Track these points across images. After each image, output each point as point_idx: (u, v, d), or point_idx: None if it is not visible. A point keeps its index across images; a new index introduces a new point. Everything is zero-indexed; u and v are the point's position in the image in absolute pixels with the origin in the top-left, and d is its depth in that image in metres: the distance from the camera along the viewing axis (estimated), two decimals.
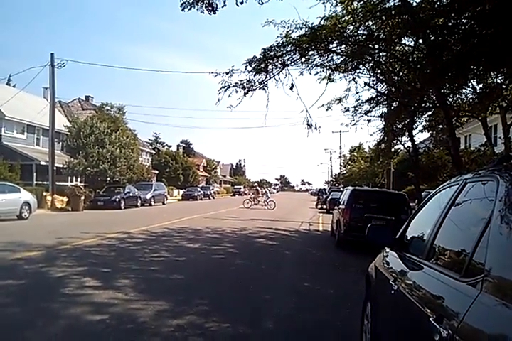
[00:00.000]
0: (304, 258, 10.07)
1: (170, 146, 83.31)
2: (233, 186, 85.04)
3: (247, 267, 8.59)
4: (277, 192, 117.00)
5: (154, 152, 56.03)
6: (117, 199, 26.35)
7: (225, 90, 12.15)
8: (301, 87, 13.30)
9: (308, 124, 13.27)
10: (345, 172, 52.51)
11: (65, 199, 24.79)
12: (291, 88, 12.23)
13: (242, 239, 12.99)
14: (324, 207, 31.24)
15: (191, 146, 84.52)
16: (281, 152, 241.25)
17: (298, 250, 11.17)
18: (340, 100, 15.37)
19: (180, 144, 76.91)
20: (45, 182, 26.74)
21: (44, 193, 24.25)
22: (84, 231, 13.03)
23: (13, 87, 35.75)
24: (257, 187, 35.59)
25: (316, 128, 13.35)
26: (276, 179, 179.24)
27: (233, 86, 12.24)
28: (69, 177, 30.67)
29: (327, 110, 15.46)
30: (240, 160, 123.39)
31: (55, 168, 25.66)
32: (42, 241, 10.52)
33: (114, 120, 33.47)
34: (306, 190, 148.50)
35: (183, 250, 10.26)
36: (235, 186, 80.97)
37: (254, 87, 12.51)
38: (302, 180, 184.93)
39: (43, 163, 28.01)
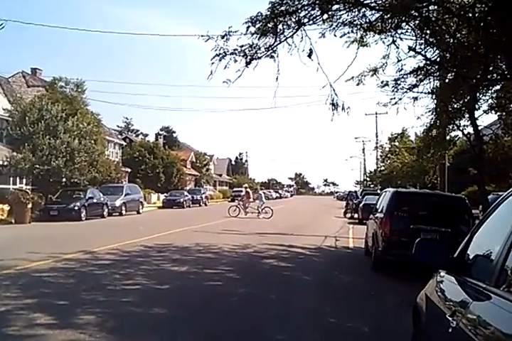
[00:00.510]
0: (328, 284, 10.12)
1: (146, 135, 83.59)
2: (232, 189, 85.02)
3: (252, 297, 8.66)
4: (291, 195, 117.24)
5: (125, 143, 56.25)
6: (76, 208, 26.51)
7: (220, 59, 12.11)
8: (322, 53, 13.27)
9: (333, 104, 13.19)
10: (383, 168, 52.46)
11: (6, 207, 24.91)
12: (309, 55, 12.18)
13: (245, 260, 13.08)
14: (355, 215, 31.40)
15: (175, 135, 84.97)
16: (297, 142, 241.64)
17: (320, 274, 11.22)
18: (375, 71, 15.32)
19: (160, 132, 77.02)
20: None
21: None
22: (32, 250, 13.09)
23: None
24: (247, 189, 35.35)
25: (343, 108, 13.26)
26: (290, 179, 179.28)
27: (231, 53, 12.19)
28: (11, 178, 30.72)
29: (358, 85, 15.41)
30: (240, 154, 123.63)
31: None
32: None
33: (70, 100, 33.57)
34: (331, 193, 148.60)
35: (165, 275, 10.34)
36: (235, 189, 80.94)
37: (259, 55, 12.46)
38: (325, 180, 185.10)
39: None
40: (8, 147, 30.94)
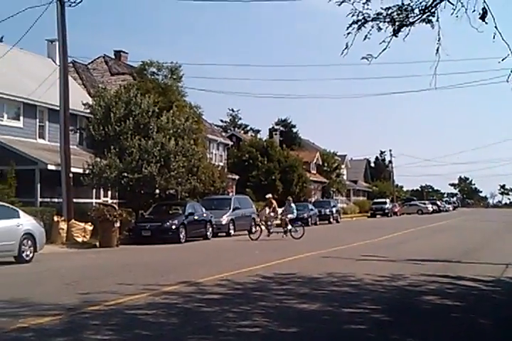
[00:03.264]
0: None
1: (258, 131, 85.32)
2: (371, 200, 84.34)
3: None
4: (454, 208, 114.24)
5: (231, 142, 57.32)
6: (174, 227, 27.33)
7: (359, 27, 11.94)
8: (500, 13, 12.73)
9: None
10: None
11: (89, 227, 26.10)
12: (482, 17, 11.73)
13: (396, 296, 12.93)
14: None
15: (294, 130, 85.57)
16: (462, 136, 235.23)
17: (505, 318, 10.78)
18: None
19: (276, 127, 78.14)
20: (55, 200, 28.46)
21: (55, 218, 25.69)
22: (123, 281, 13.70)
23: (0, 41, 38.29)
24: (272, 199, 33.03)
25: None
26: (453, 185, 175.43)
27: (373, 19, 12.00)
28: (94, 191, 32.15)
29: None
30: (382, 154, 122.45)
31: (71, 176, 27.07)
32: (57, 300, 11.15)
33: (163, 91, 34.55)
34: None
35: (291, 314, 10.35)
36: (375, 200, 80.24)
37: (411, 20, 12.19)
38: (502, 187, 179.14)
39: (51, 167, 29.27)
40: (90, 151, 32.29)
